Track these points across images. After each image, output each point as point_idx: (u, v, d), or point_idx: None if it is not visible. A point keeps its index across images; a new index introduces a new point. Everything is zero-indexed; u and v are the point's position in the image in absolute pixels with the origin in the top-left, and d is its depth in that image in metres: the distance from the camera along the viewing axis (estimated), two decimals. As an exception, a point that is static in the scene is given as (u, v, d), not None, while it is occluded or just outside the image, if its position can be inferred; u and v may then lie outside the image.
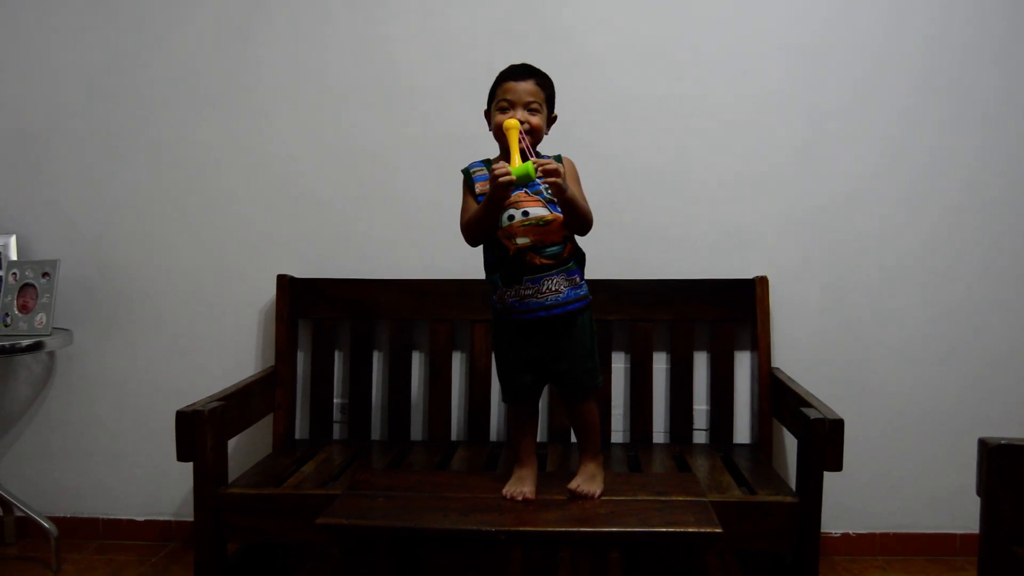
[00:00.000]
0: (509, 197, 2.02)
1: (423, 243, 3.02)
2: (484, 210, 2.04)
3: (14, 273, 2.96)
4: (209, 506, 2.34)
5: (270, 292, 3.02)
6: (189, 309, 3.09)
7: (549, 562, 2.39)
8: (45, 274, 2.94)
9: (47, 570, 2.91)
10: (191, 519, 2.41)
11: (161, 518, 3.14)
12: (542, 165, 1.95)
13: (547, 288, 2.05)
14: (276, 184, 3.05)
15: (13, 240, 3.04)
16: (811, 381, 2.80)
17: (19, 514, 3.07)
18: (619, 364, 2.98)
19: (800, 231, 2.97)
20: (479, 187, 2.11)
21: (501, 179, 1.94)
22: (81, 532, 3.14)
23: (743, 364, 2.98)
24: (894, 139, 2.94)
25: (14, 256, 3.03)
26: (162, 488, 3.11)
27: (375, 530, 1.97)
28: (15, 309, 2.93)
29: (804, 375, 2.87)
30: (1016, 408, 2.96)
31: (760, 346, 2.88)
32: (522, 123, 2.05)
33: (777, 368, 2.92)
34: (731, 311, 2.91)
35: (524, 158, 1.99)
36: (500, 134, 2.08)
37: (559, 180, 1.96)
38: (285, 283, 2.97)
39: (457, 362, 3.02)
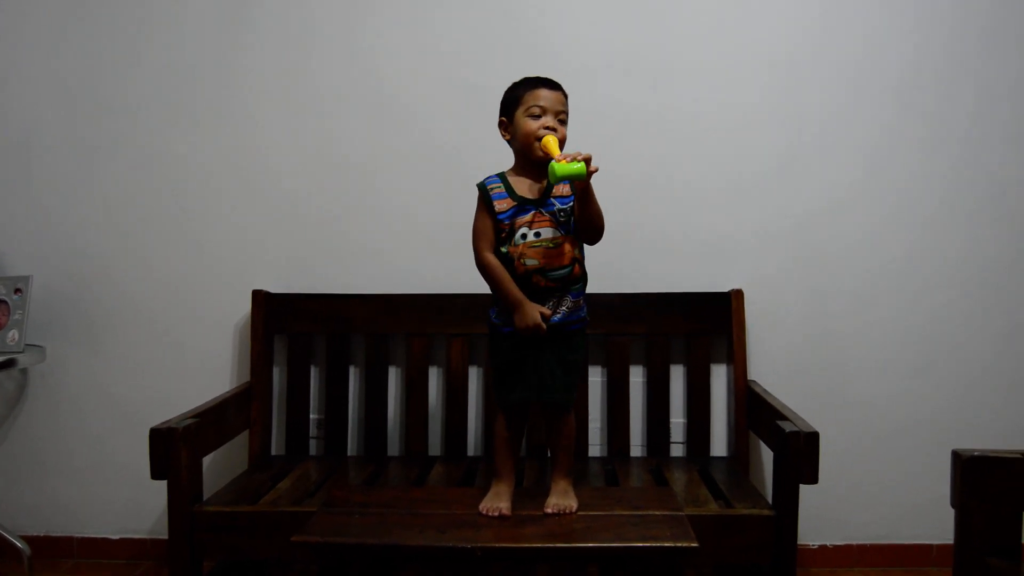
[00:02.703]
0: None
1: (400, 258, 3.02)
2: (503, 296, 2.08)
3: (-14, 289, 2.94)
4: (184, 524, 2.33)
5: (245, 307, 3.00)
6: (163, 325, 3.07)
7: (527, 577, 2.38)
8: (17, 290, 2.91)
9: (19, 590, 2.88)
10: (166, 537, 2.38)
11: (136, 536, 3.11)
12: (575, 156, 1.94)
13: (548, 307, 2.08)
14: (251, 198, 3.04)
15: (-15, 256, 3.02)
16: (787, 393, 2.81)
17: (-9, 533, 3.04)
18: (595, 378, 2.99)
19: (777, 243, 2.98)
20: (498, 205, 2.09)
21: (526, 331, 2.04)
22: (55, 551, 3.10)
23: (719, 377, 2.99)
24: (873, 152, 2.95)
25: (-14, 272, 3.00)
26: (137, 506, 3.08)
27: (351, 547, 1.96)
28: (-13, 326, 2.91)
29: (780, 388, 2.88)
30: (992, 420, 2.97)
31: (736, 359, 2.89)
32: (553, 130, 2.07)
33: (753, 381, 2.93)
34: (707, 324, 2.92)
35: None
36: (528, 142, 2.08)
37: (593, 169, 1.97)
38: (260, 298, 2.95)
39: (434, 377, 3.01)
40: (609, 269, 2.91)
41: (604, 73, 2.98)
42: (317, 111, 3.02)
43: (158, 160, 3.05)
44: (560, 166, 1.93)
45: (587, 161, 1.94)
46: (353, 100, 3.01)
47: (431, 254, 2.99)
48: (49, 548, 3.10)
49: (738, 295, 2.91)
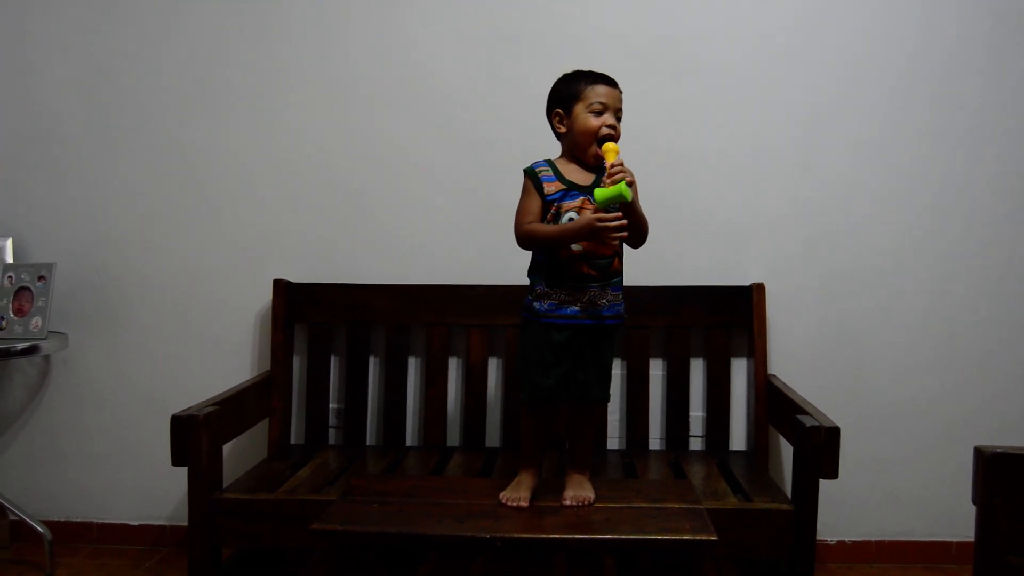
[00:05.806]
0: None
1: (420, 249, 3.02)
2: (562, 236, 2.04)
3: (10, 276, 2.96)
4: (203, 511, 2.34)
5: (266, 297, 3.01)
6: (185, 313, 3.09)
7: (544, 568, 2.38)
8: (41, 277, 2.93)
9: (40, 574, 2.90)
10: (185, 524, 2.39)
11: (155, 523, 3.13)
12: (620, 173, 1.96)
13: (587, 299, 2.07)
14: (273, 188, 3.05)
15: (9, 243, 3.03)
16: (807, 388, 2.80)
17: (13, 518, 3.06)
18: (615, 371, 2.94)
19: (798, 237, 2.97)
20: (547, 188, 2.07)
21: (614, 235, 1.99)
22: (75, 536, 3.13)
23: (739, 371, 2.97)
24: (890, 142, 2.94)
25: (10, 259, 3.02)
26: (156, 493, 3.10)
27: (370, 536, 1.97)
28: (11, 312, 2.93)
29: (800, 382, 2.87)
30: (1014, 416, 2.95)
31: (756, 353, 2.88)
32: (612, 129, 2.06)
33: (773, 375, 2.91)
34: (728, 318, 2.91)
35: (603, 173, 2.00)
36: (587, 140, 2.07)
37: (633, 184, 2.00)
38: (281, 288, 2.96)
39: (453, 367, 3.01)
40: (627, 263, 2.91)
41: (622, 69, 2.95)
42: (334, 105, 3.02)
43: (180, 150, 3.06)
44: (601, 192, 1.95)
45: (630, 183, 1.97)
46: (379, 91, 3.01)
47: (451, 245, 2.99)
48: (69, 533, 3.12)
49: (759, 289, 2.89)
